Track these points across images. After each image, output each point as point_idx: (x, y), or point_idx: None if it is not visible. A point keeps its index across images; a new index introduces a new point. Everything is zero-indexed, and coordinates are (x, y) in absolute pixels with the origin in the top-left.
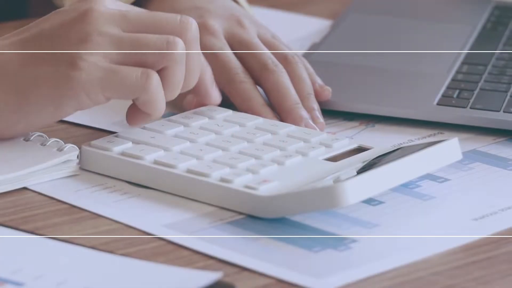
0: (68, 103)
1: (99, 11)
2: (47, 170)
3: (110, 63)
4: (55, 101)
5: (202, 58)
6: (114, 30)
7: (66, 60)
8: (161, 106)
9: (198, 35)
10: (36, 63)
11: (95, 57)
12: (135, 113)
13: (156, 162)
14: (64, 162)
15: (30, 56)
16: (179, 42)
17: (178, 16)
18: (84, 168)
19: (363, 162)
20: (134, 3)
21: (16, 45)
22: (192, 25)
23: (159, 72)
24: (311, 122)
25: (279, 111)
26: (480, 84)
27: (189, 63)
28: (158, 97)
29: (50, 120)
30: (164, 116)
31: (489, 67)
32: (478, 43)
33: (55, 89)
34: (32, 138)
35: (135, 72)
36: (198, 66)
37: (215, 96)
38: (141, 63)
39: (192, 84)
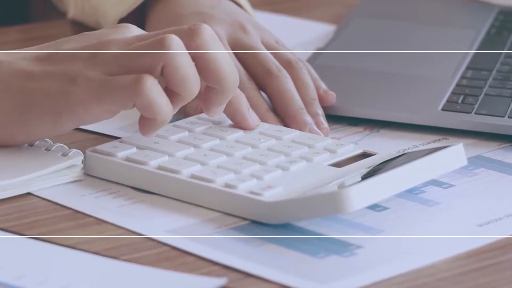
0: (67, 119)
1: (118, 41)
2: (51, 175)
3: (107, 76)
4: (54, 116)
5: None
6: (121, 49)
7: (68, 77)
8: (162, 109)
9: (214, 37)
10: (40, 79)
11: (94, 72)
12: (143, 121)
13: (160, 168)
14: (69, 167)
15: (37, 72)
16: (169, 36)
17: (187, 25)
18: (89, 173)
19: (368, 167)
20: (138, 8)
21: (29, 60)
22: (202, 28)
23: (163, 75)
24: (315, 128)
25: (283, 116)
26: (484, 90)
27: (209, 64)
28: (155, 99)
29: (50, 134)
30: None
31: (493, 72)
32: (483, 48)
33: (54, 104)
34: (36, 143)
35: (127, 79)
36: (225, 67)
37: (252, 120)
38: (139, 69)
39: (224, 87)
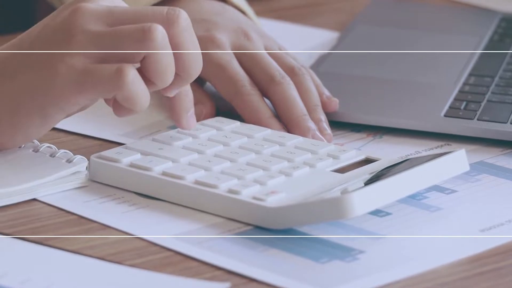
0: (53, 111)
1: (86, 9)
2: (56, 182)
3: (90, 62)
4: (40, 110)
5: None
6: (98, 27)
7: (48, 64)
8: (141, 100)
9: (189, 25)
10: (23, 71)
11: (75, 59)
12: (119, 106)
13: (164, 174)
14: (73, 173)
15: (19, 63)
16: (156, 28)
17: (165, 9)
18: (93, 180)
19: (371, 173)
20: None
21: (10, 53)
22: (180, 16)
23: (142, 63)
24: (318, 134)
25: (287, 122)
26: (487, 96)
27: (182, 54)
28: (135, 92)
29: (43, 129)
30: (172, 127)
31: (496, 79)
32: (485, 54)
33: (38, 97)
34: (41, 149)
35: (109, 70)
36: (195, 57)
37: (186, 124)
38: (122, 56)
39: (190, 76)
